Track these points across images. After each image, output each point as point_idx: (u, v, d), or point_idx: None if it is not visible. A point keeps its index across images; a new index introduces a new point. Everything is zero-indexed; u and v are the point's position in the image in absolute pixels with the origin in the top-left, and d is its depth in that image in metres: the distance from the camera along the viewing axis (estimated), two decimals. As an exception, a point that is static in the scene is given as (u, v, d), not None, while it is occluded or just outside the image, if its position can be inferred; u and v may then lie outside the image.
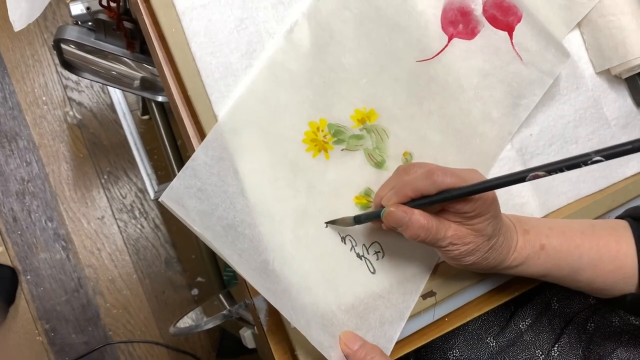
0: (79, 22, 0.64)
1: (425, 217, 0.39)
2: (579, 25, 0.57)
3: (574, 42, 0.57)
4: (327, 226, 0.44)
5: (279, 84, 0.44)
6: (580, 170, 0.54)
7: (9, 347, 1.14)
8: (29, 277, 1.16)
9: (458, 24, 0.49)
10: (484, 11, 0.50)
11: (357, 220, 0.43)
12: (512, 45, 0.50)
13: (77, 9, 0.61)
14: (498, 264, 0.43)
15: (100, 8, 0.59)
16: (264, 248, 0.42)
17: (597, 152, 0.31)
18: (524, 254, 0.44)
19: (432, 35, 0.48)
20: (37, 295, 1.16)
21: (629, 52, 0.54)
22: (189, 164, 0.40)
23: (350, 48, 0.46)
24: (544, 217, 0.53)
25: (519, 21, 0.50)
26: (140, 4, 0.44)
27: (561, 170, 0.33)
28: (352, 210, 0.45)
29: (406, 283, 0.47)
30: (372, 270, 0.46)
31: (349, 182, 0.46)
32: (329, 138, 0.45)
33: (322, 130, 0.45)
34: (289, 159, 0.44)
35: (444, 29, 0.49)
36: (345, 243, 0.45)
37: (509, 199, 0.51)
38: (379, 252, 0.46)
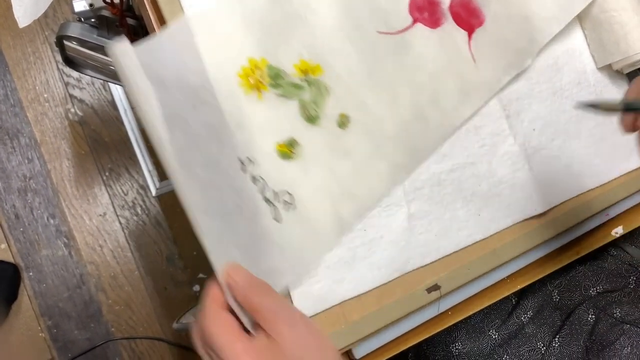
0: (82, 19, 0.64)
1: None
2: (580, 21, 0.57)
3: (576, 37, 0.57)
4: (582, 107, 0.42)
5: (230, 13, 0.43)
6: (581, 165, 0.55)
7: (12, 344, 1.15)
8: (31, 273, 1.17)
9: (424, 11, 0.49)
10: (451, 7, 0.50)
11: (628, 106, 0.38)
12: (469, 46, 0.50)
13: (80, 5, 0.62)
14: None
15: (103, 5, 0.59)
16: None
17: None
18: None
19: (399, 13, 0.48)
20: (40, 292, 1.16)
21: (630, 47, 0.54)
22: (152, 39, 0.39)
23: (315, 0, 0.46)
24: (545, 211, 0.53)
25: (479, 25, 0.50)
26: (145, -1, 0.44)
27: None
28: (269, 155, 0.44)
29: (306, 250, 0.45)
30: (277, 219, 0.44)
31: (276, 128, 0.45)
32: (267, 80, 0.45)
33: (260, 69, 0.45)
34: (220, 87, 0.43)
35: (410, 11, 0.49)
36: (255, 184, 0.43)
37: (512, 193, 0.51)
38: (290, 204, 0.45)
